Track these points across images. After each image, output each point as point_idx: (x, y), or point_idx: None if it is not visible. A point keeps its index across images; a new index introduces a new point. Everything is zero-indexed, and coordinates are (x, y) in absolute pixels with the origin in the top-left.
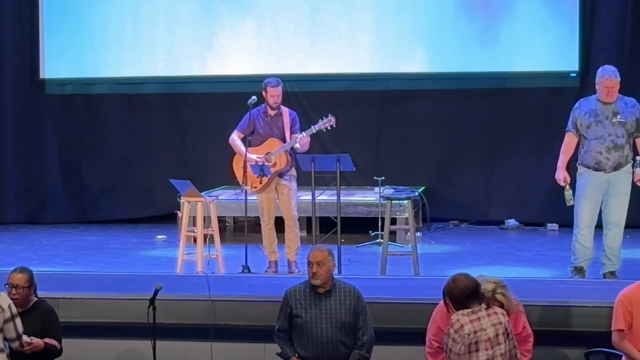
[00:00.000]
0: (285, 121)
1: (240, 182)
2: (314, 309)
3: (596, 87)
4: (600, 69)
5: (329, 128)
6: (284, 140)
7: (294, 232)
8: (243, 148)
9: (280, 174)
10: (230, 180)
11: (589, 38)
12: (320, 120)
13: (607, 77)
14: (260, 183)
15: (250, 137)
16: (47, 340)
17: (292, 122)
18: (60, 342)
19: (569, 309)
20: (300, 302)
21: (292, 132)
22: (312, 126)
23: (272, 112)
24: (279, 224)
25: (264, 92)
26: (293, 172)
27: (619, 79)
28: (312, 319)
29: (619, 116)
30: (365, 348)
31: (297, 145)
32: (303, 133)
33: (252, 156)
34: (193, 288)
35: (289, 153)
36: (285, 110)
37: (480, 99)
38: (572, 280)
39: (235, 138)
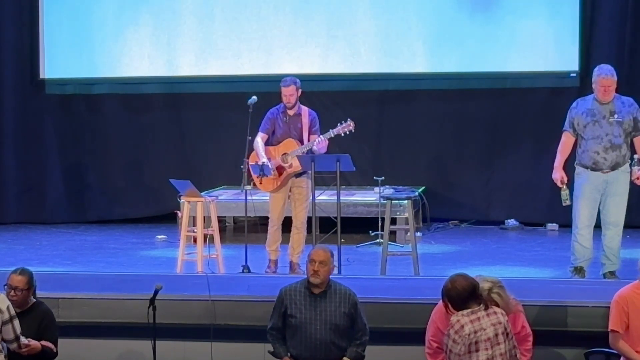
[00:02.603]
0: (304, 122)
1: (257, 182)
2: (309, 309)
3: (593, 86)
4: (596, 68)
5: (347, 133)
6: (301, 141)
7: (301, 233)
8: (262, 150)
9: (297, 174)
10: (230, 180)
11: (589, 38)
12: (339, 124)
13: (604, 75)
14: (271, 183)
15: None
16: (43, 342)
17: (312, 122)
18: (56, 345)
19: (568, 309)
20: (295, 302)
21: (311, 133)
22: (330, 130)
23: (290, 112)
24: (284, 224)
25: (280, 91)
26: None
27: (615, 78)
28: (306, 319)
29: (616, 115)
30: (362, 347)
31: (315, 147)
32: (321, 136)
33: (264, 160)
34: (193, 288)
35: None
36: (305, 110)
37: (480, 99)
38: (572, 280)
39: (258, 140)
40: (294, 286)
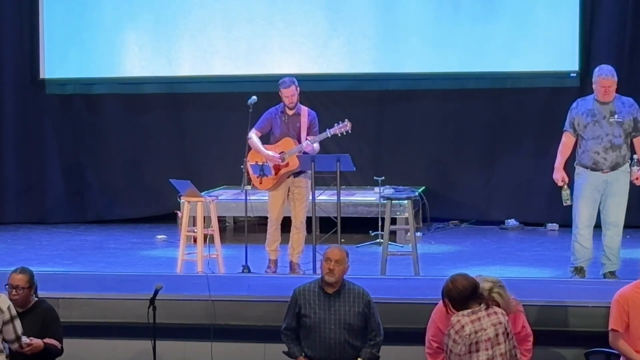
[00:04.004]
0: (303, 121)
1: (255, 182)
2: (323, 309)
3: (593, 86)
4: (597, 69)
5: (344, 133)
6: (299, 141)
7: (301, 233)
8: (260, 146)
9: (295, 174)
10: (230, 180)
11: (589, 38)
12: (336, 124)
13: (604, 76)
14: (268, 181)
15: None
16: (46, 340)
17: (311, 123)
18: (61, 342)
19: (568, 309)
20: (309, 302)
21: (310, 134)
22: (327, 130)
23: (290, 112)
24: (283, 224)
25: (279, 93)
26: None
27: (616, 79)
28: (320, 319)
29: (616, 116)
30: (377, 348)
31: (305, 149)
32: (308, 139)
33: (270, 152)
34: (193, 288)
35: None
36: (304, 110)
37: (480, 99)
38: (572, 280)
39: (253, 136)
40: (307, 286)
